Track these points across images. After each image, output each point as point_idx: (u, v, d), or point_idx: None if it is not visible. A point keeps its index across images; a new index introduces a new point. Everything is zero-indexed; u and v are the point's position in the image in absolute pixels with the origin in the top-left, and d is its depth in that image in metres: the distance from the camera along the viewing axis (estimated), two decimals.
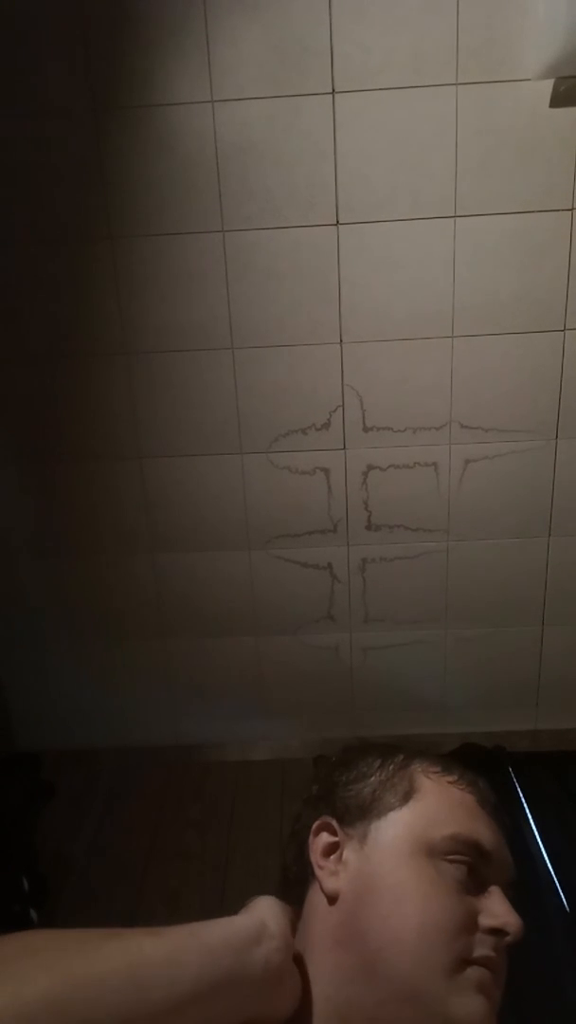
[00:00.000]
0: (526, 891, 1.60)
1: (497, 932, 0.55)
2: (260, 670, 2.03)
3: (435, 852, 0.58)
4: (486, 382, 1.73)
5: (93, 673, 2.05)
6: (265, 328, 1.70)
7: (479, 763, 1.94)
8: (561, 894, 1.58)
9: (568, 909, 1.55)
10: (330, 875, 0.61)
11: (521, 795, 1.84)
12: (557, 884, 1.60)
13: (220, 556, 1.91)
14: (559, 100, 1.51)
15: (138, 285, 1.68)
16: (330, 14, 1.48)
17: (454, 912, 0.54)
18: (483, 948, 0.54)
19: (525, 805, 1.81)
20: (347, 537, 1.88)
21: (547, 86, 1.51)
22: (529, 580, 1.91)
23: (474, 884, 0.57)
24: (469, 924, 0.54)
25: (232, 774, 2.01)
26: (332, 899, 0.59)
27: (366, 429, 1.78)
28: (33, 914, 1.62)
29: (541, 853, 1.68)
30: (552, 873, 1.63)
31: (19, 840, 1.78)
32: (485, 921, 0.55)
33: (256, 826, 1.80)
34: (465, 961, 0.53)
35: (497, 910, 0.56)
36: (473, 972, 0.53)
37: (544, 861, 1.66)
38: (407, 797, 0.63)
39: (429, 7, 1.47)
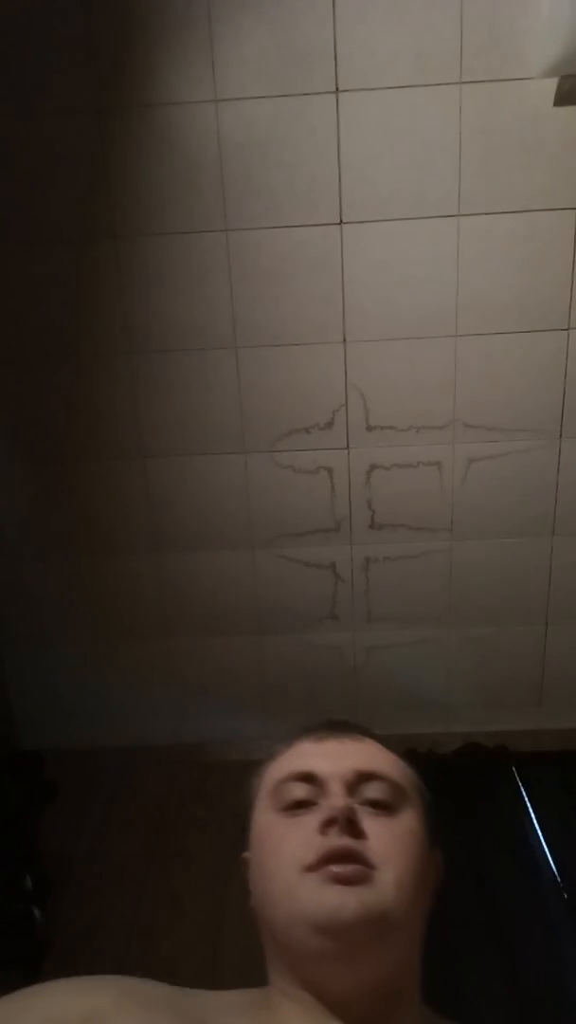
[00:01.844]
0: (529, 889, 1.60)
1: (329, 823, 0.56)
2: (263, 669, 2.03)
3: (276, 806, 0.60)
4: (489, 381, 1.73)
5: (96, 672, 2.05)
6: (268, 327, 1.70)
7: (482, 762, 1.95)
8: (564, 893, 1.58)
9: (571, 907, 1.55)
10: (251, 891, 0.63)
11: (524, 794, 1.83)
12: (560, 882, 1.60)
13: (223, 555, 1.91)
14: (563, 99, 1.51)
15: (141, 284, 1.68)
16: (334, 14, 1.48)
17: (293, 838, 0.56)
18: (328, 842, 0.55)
19: (528, 804, 1.81)
20: (350, 536, 1.88)
21: (551, 85, 1.50)
22: (532, 579, 1.91)
23: (316, 802, 0.59)
24: (311, 838, 0.56)
25: (234, 774, 2.00)
26: (254, 908, 0.61)
27: (369, 428, 1.78)
28: (36, 913, 1.62)
29: (544, 852, 1.68)
30: (555, 871, 1.63)
31: (22, 839, 1.78)
32: (319, 821, 0.56)
33: None
34: (312, 867, 0.54)
35: (324, 806, 0.58)
36: (323, 872, 0.53)
37: (547, 860, 1.66)
38: (257, 791, 0.66)
39: (432, 6, 1.47)
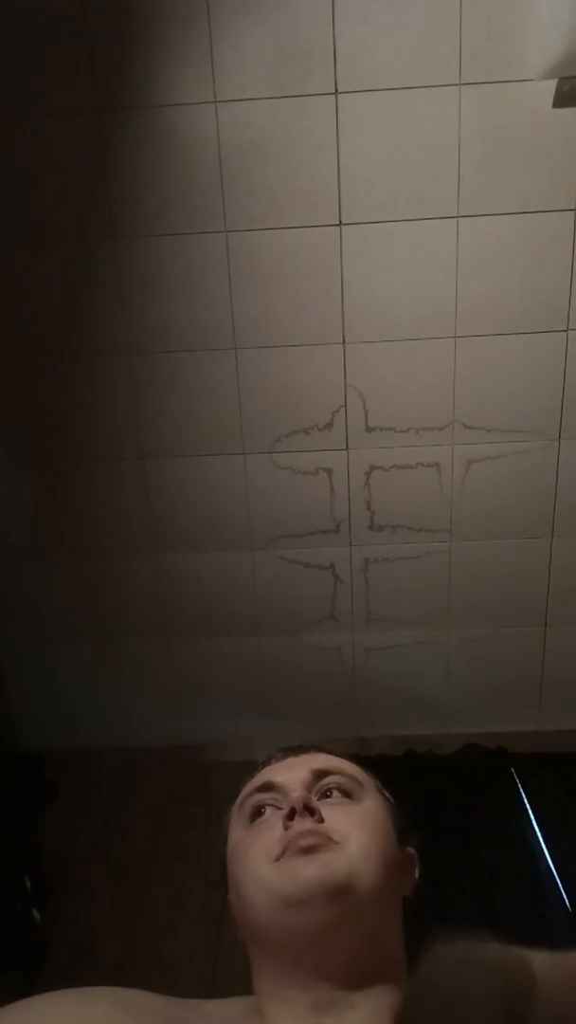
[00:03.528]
0: (529, 891, 1.60)
1: (290, 816, 0.59)
2: (262, 670, 2.03)
3: (243, 824, 0.64)
4: (489, 382, 1.73)
5: (96, 673, 2.05)
6: (268, 328, 1.70)
7: (482, 764, 1.95)
8: (564, 894, 1.58)
9: (570, 909, 1.55)
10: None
11: (524, 796, 1.84)
12: (560, 884, 1.60)
13: (222, 556, 1.91)
14: (562, 100, 1.51)
15: (141, 286, 1.68)
16: (333, 15, 1.48)
17: (260, 841, 0.59)
18: (292, 831, 0.57)
19: (528, 806, 1.81)
20: (350, 537, 1.88)
21: (550, 86, 1.50)
22: (532, 581, 1.91)
23: (280, 808, 0.62)
24: (277, 834, 0.58)
25: (234, 774, 2.00)
26: (241, 937, 0.63)
27: (369, 429, 1.78)
28: (36, 914, 1.62)
29: (544, 854, 1.68)
30: (555, 873, 1.63)
31: (22, 840, 1.78)
32: (281, 819, 0.59)
33: None
34: (279, 857, 0.56)
35: (285, 803, 0.61)
36: (288, 852, 0.56)
37: (547, 861, 1.66)
38: (228, 826, 0.68)
39: (432, 7, 1.47)
